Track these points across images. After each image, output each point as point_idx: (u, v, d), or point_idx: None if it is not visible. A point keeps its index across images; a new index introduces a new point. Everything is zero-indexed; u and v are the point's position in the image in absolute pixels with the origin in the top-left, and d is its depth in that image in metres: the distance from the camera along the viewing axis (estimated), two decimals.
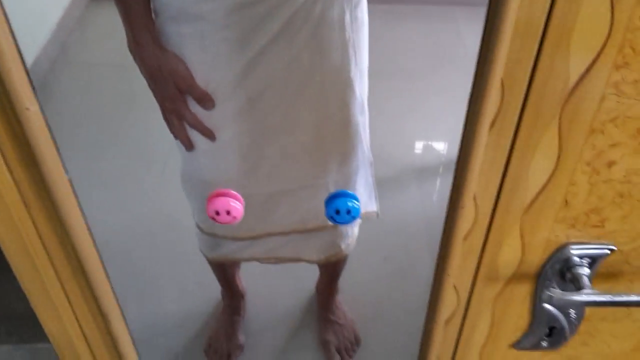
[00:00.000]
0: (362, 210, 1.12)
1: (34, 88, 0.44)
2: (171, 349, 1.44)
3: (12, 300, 1.19)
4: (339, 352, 1.40)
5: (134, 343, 0.62)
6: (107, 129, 1.96)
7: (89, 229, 0.52)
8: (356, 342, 1.43)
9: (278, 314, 1.51)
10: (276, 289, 1.55)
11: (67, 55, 2.26)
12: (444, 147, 1.90)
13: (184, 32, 0.82)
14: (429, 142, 1.94)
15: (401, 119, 2.00)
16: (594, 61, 0.42)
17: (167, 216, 1.68)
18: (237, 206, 0.51)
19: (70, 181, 0.48)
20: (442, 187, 1.77)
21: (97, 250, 0.53)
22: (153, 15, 0.82)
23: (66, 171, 0.48)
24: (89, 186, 1.75)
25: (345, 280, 1.43)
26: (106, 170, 1.84)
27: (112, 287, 0.57)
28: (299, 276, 1.51)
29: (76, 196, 0.50)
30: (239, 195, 0.53)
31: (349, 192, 0.54)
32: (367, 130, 1.00)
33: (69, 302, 0.57)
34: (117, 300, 0.59)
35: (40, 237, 0.52)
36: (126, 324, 0.60)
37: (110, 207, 1.71)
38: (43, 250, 0.53)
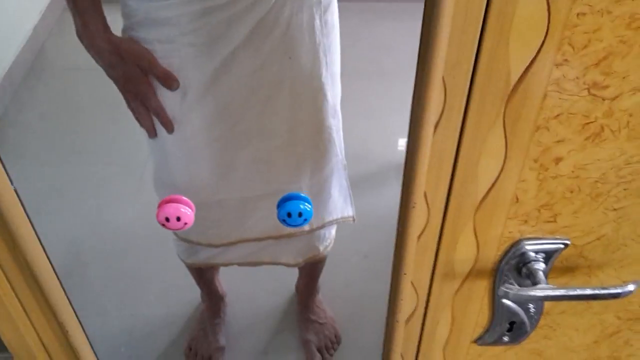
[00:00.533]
0: (339, 215, 1.12)
1: None
2: (152, 352, 1.44)
3: None
4: (319, 351, 1.40)
5: (95, 354, 0.62)
6: (85, 133, 1.94)
7: (40, 240, 0.52)
8: (337, 340, 1.43)
9: (258, 315, 1.51)
10: (256, 290, 1.55)
11: (43, 60, 2.24)
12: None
13: (151, 38, 0.81)
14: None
15: (382, 116, 2.00)
16: (534, 59, 0.42)
17: (146, 221, 1.67)
18: (187, 212, 0.50)
19: (16, 191, 0.48)
20: None
21: (50, 262, 0.53)
22: (122, 19, 0.81)
23: (11, 182, 0.47)
24: (68, 191, 1.74)
25: (326, 279, 1.43)
26: (85, 174, 1.82)
27: (68, 299, 0.57)
28: (278, 276, 1.51)
29: (24, 207, 0.49)
30: (190, 202, 0.53)
31: (301, 194, 0.53)
32: (341, 134, 1.00)
33: (26, 312, 0.57)
34: (74, 311, 0.58)
35: None
36: (86, 334, 0.60)
37: (88, 211, 1.70)
38: None
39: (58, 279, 0.54)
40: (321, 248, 1.19)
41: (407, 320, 0.60)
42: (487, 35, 0.41)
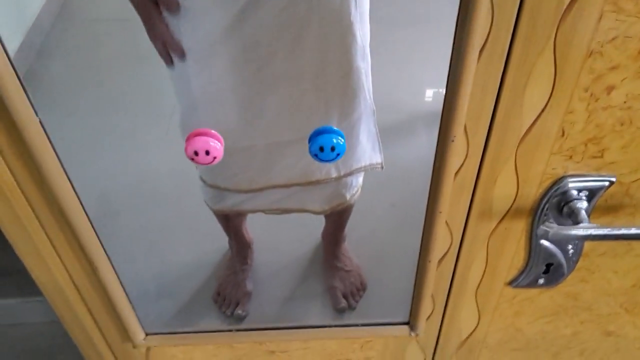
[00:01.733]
0: (367, 162, 1.10)
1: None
2: (181, 297, 1.46)
3: None
4: (345, 297, 1.40)
5: (125, 293, 0.62)
6: (112, 84, 1.93)
7: (68, 178, 0.51)
8: (362, 287, 1.43)
9: (285, 261, 1.51)
10: (282, 238, 1.54)
11: (69, 11, 2.22)
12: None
13: None
14: (440, 90, 1.89)
15: (410, 65, 1.94)
16: None
17: (173, 169, 1.67)
18: (216, 146, 0.49)
19: (42, 123, 0.46)
20: None
21: (79, 199, 0.52)
22: None
23: (36, 113, 0.46)
24: (95, 141, 1.75)
25: (352, 227, 1.42)
26: (112, 125, 1.82)
27: (98, 237, 0.56)
28: (304, 224, 1.50)
29: (51, 142, 0.48)
30: (218, 135, 0.51)
31: (333, 128, 0.51)
32: (370, 78, 0.97)
33: (55, 249, 0.56)
34: (104, 249, 0.57)
35: (18, 185, 0.50)
36: (116, 272, 0.60)
37: (117, 162, 1.71)
38: (23, 198, 0.51)
39: (87, 216, 0.53)
40: (348, 196, 1.18)
41: (440, 261, 0.59)
42: None
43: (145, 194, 1.65)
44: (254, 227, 1.50)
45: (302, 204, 1.17)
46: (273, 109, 0.94)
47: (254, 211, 1.21)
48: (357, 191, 1.20)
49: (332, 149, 0.48)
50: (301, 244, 1.54)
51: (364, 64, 0.93)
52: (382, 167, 1.13)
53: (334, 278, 1.42)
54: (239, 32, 0.83)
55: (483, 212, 0.54)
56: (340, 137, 0.48)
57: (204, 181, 1.13)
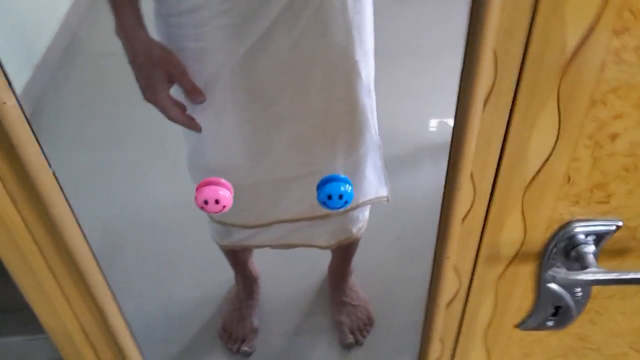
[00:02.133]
0: (373, 195, 1.10)
1: (9, 82, 0.43)
2: (186, 333, 1.45)
3: None
4: (352, 332, 1.39)
5: (133, 336, 0.62)
6: (119, 118, 1.96)
7: (78, 224, 0.51)
8: (369, 322, 1.42)
9: (291, 296, 1.51)
10: (289, 272, 1.54)
11: (77, 46, 2.26)
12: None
13: (183, 23, 0.80)
14: (444, 120, 1.91)
15: (415, 97, 1.96)
16: (592, 27, 0.39)
17: (180, 203, 1.68)
18: (225, 195, 0.49)
19: (55, 174, 0.47)
20: None
21: (89, 245, 0.53)
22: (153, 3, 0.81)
23: (49, 165, 0.47)
24: (103, 174, 1.76)
25: (358, 261, 1.42)
26: (120, 158, 1.84)
27: (107, 282, 0.56)
28: (311, 258, 1.50)
29: (62, 190, 0.48)
30: (228, 184, 0.51)
31: (340, 176, 0.52)
32: (375, 114, 0.98)
33: (64, 296, 0.57)
34: (113, 295, 0.58)
35: (29, 231, 0.51)
36: (124, 318, 0.60)
37: (125, 196, 1.72)
38: (34, 244, 0.52)
39: (97, 262, 0.54)
40: (354, 230, 1.18)
41: (448, 304, 0.59)
42: (542, 3, 0.38)
43: (151, 228, 1.66)
44: (261, 261, 1.50)
45: (308, 238, 1.17)
46: (279, 146, 0.95)
47: (260, 246, 1.21)
48: (364, 225, 1.20)
49: (340, 197, 0.49)
50: (307, 278, 1.54)
51: (369, 100, 0.94)
52: (388, 200, 1.14)
53: (341, 313, 1.42)
54: (246, 72, 0.85)
55: (491, 257, 0.54)
56: (347, 185, 0.49)
57: (210, 217, 1.13)
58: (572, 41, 0.40)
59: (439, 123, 1.92)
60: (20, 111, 0.44)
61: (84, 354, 0.63)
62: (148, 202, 1.71)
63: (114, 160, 1.83)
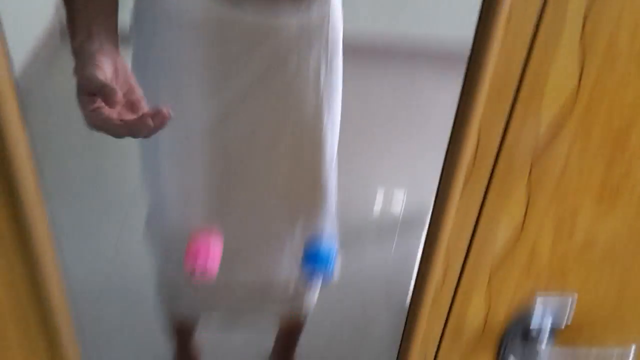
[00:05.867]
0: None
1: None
2: None
3: None
4: None
5: None
6: (68, 174, 1.82)
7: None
8: None
9: None
10: (231, 356, 1.46)
11: (32, 100, 2.11)
12: (404, 195, 1.88)
13: (160, 81, 0.80)
14: (391, 189, 1.92)
15: (363, 165, 1.98)
16: (561, 124, 0.44)
17: (126, 272, 1.56)
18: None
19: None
20: (399, 245, 1.76)
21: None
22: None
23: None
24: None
25: (303, 344, 1.37)
26: (64, 217, 1.68)
27: None
28: (254, 342, 1.43)
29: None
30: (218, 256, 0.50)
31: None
32: (335, 192, 1.00)
33: None
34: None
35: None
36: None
37: (67, 256, 1.56)
38: None
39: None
40: (303, 309, 1.16)
41: None
42: (522, 92, 0.43)
43: (94, 294, 1.51)
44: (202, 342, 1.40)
45: (257, 310, 1.13)
46: (241, 208, 0.94)
47: (209, 310, 1.14)
48: (311, 305, 1.18)
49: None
50: None
51: (332, 173, 0.96)
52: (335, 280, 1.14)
53: None
54: (219, 133, 0.85)
55: (455, 339, 0.55)
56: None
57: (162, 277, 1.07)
58: (546, 131, 0.45)
59: (386, 192, 1.92)
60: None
61: None
62: (92, 267, 1.56)
63: (58, 218, 1.66)
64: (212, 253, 0.50)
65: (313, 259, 0.50)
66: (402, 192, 1.89)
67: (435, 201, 0.48)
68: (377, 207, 1.90)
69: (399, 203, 1.88)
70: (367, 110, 2.20)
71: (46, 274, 0.44)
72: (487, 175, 0.46)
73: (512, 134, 0.45)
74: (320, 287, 1.14)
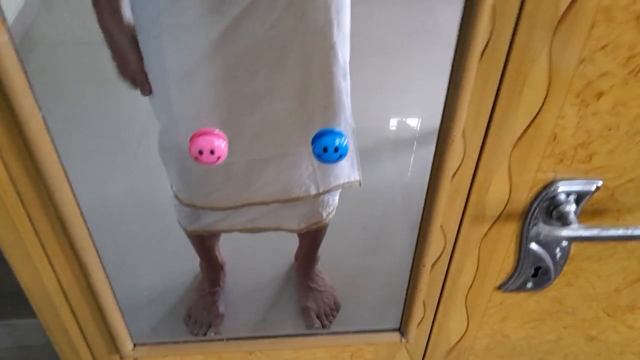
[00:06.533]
0: (345, 179, 1.11)
1: (4, 18, 0.42)
2: (150, 321, 1.42)
3: None
4: (319, 317, 1.40)
5: (116, 299, 0.61)
6: (78, 107, 1.91)
7: (67, 178, 0.50)
8: (336, 307, 1.43)
9: (257, 283, 1.50)
10: (255, 259, 1.54)
11: (33, 34, 2.19)
12: (418, 122, 1.92)
13: None
14: (403, 119, 1.95)
15: (378, 94, 1.99)
16: None
17: (143, 191, 1.65)
18: (221, 145, 0.49)
19: (44, 119, 0.46)
20: (416, 161, 1.78)
21: (77, 201, 0.51)
22: None
23: (39, 108, 0.45)
24: (64, 165, 1.71)
25: (325, 248, 1.43)
26: (79, 148, 1.79)
27: (93, 241, 0.55)
28: (278, 246, 1.50)
29: (51, 136, 0.47)
30: (223, 135, 0.51)
31: (335, 129, 0.52)
32: (349, 97, 0.99)
33: (47, 255, 0.55)
34: (98, 255, 0.57)
35: (12, 181, 0.49)
36: (109, 279, 0.59)
37: (85, 184, 1.67)
38: (15, 194, 0.50)
39: (84, 220, 0.53)
40: (324, 214, 1.19)
41: (433, 266, 0.60)
42: None
43: (112, 217, 1.62)
44: (227, 248, 1.49)
45: (278, 222, 1.17)
46: (254, 126, 0.94)
47: (229, 230, 1.20)
48: (333, 210, 1.21)
49: (336, 149, 0.49)
50: (274, 265, 1.53)
51: (345, 83, 0.95)
52: (360, 184, 1.15)
53: (307, 298, 1.42)
54: (223, 50, 0.84)
55: (476, 216, 0.56)
56: (343, 138, 0.49)
57: (179, 200, 1.11)
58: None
59: (399, 122, 1.96)
60: (13, 49, 0.43)
61: (63, 319, 0.61)
62: (110, 192, 1.68)
63: (73, 149, 1.78)
64: (218, 134, 0.51)
65: (320, 148, 0.51)
66: (416, 120, 1.91)
67: (450, 79, 0.46)
68: (392, 132, 1.90)
69: (414, 128, 1.88)
70: (378, 38, 2.14)
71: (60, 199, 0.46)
72: (506, 44, 0.44)
73: (531, 1, 0.42)
74: (341, 195, 1.15)
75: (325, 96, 0.94)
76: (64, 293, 0.59)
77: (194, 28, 0.81)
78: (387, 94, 2.00)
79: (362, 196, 1.62)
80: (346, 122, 1.01)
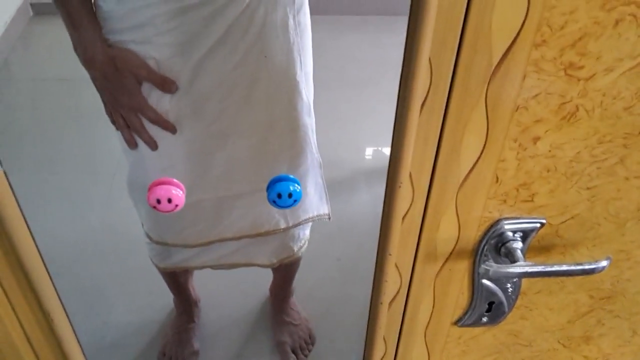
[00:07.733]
0: (315, 213, 1.13)
1: None
2: (125, 358, 1.41)
3: None
4: (294, 352, 1.40)
5: (79, 343, 0.61)
6: (54, 143, 1.92)
7: (27, 223, 0.51)
8: (311, 341, 1.44)
9: (232, 318, 1.51)
10: (229, 294, 1.54)
11: (9, 71, 2.21)
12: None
13: (127, 39, 0.81)
14: (379, 148, 1.99)
15: (349, 125, 2.04)
16: (514, 40, 0.45)
17: (116, 228, 1.66)
18: (178, 194, 0.51)
19: (6, 174, 0.47)
20: None
21: (37, 247, 0.52)
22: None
23: (1, 164, 0.47)
24: (37, 201, 1.71)
25: (300, 280, 1.44)
26: (54, 184, 1.80)
27: (54, 285, 0.56)
28: (251, 280, 1.51)
29: (11, 186, 0.49)
30: (180, 184, 0.53)
31: (290, 176, 0.54)
32: (314, 133, 1.01)
33: (9, 301, 0.56)
34: (60, 299, 0.57)
35: None
36: (71, 323, 0.59)
37: (58, 221, 1.68)
38: None
39: (45, 266, 0.54)
40: (295, 248, 1.20)
41: (390, 303, 0.62)
42: (471, 18, 0.43)
43: (88, 253, 1.62)
44: (201, 283, 1.49)
45: (250, 258, 1.18)
46: (222, 163, 0.96)
47: (201, 267, 1.21)
48: (305, 244, 1.22)
49: (290, 195, 0.51)
50: (248, 300, 1.54)
51: (310, 119, 0.98)
52: (329, 218, 1.17)
53: (283, 333, 1.42)
54: (190, 91, 0.87)
55: (429, 254, 0.58)
56: (296, 185, 0.51)
57: (150, 238, 1.12)
58: (497, 52, 0.45)
59: (374, 151, 1.99)
60: None
61: None
62: (84, 228, 1.68)
63: (48, 186, 1.79)
64: (175, 183, 0.53)
65: (274, 194, 0.53)
66: (389, 149, 1.96)
67: (394, 127, 0.49)
68: (367, 161, 1.95)
69: (387, 158, 1.93)
70: (344, 70, 2.22)
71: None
72: (445, 95, 0.47)
73: (465, 53, 0.45)
74: (315, 226, 1.17)
75: (291, 133, 0.96)
76: (28, 339, 0.59)
77: (162, 70, 0.84)
78: (361, 124, 2.05)
79: (337, 227, 1.64)
80: (313, 158, 1.03)
